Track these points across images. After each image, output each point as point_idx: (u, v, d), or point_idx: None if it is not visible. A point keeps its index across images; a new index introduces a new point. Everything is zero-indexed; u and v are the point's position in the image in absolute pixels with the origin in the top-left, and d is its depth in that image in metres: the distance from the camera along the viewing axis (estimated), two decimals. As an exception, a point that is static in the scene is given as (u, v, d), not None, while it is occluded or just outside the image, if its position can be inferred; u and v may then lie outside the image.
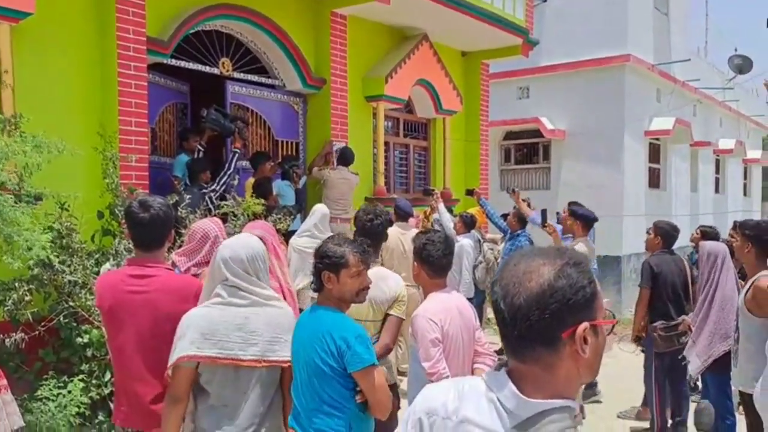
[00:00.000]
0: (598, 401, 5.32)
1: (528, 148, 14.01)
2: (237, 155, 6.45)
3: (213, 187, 6.10)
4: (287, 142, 7.88)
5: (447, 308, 2.84)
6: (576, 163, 12.93)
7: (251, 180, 6.76)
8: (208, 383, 2.47)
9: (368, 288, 2.68)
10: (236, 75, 7.17)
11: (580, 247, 5.69)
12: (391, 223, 5.60)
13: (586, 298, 1.11)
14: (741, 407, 4.05)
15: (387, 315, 3.24)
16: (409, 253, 5.83)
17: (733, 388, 4.09)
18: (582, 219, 5.77)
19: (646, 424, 5.48)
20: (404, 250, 5.96)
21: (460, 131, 10.15)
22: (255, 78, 7.40)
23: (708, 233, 6.08)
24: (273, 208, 6.03)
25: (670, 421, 5.36)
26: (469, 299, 6.83)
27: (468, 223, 7.37)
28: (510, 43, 9.72)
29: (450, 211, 7.64)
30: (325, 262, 2.53)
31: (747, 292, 3.69)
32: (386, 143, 8.94)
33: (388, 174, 9.06)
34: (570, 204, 5.91)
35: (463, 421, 1.15)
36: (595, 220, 5.87)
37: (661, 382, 5.24)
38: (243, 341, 2.42)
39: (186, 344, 2.41)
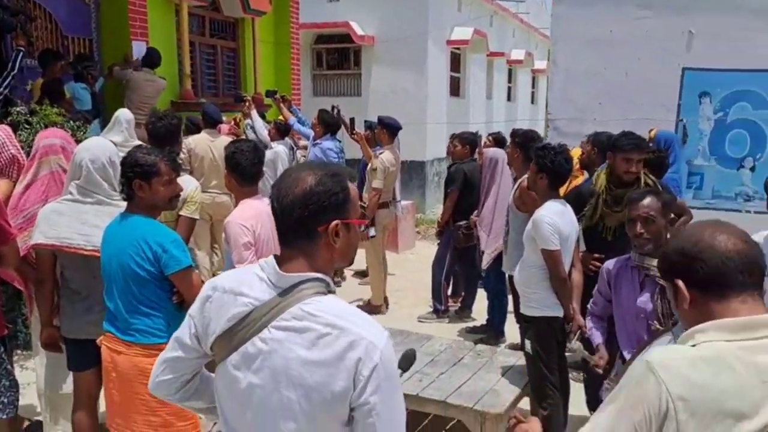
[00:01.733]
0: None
1: (339, 53, 14.07)
2: (21, 53, 5.77)
3: (-5, 88, 5.47)
4: (79, 40, 7.21)
5: (258, 214, 2.98)
6: (385, 69, 13.27)
7: (40, 81, 6.16)
8: (64, 268, 2.94)
9: (179, 195, 2.79)
10: (12, -41, 6.31)
11: (387, 155, 6.12)
12: (185, 130, 5.41)
13: (338, 202, 1.43)
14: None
15: (179, 216, 3.53)
16: (219, 160, 5.81)
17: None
18: (388, 128, 6.19)
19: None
20: (214, 158, 5.89)
21: (270, 33, 9.95)
22: (36, -36, 6.58)
23: (499, 140, 6.73)
24: (68, 113, 5.61)
25: (456, 306, 6.21)
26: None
27: (282, 130, 7.44)
28: (320, -58, 9.58)
29: (263, 117, 7.63)
30: (137, 171, 2.57)
31: (515, 191, 4.33)
32: (192, 43, 8.54)
33: (196, 77, 8.71)
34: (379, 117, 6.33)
35: (238, 294, 1.44)
36: (399, 128, 6.30)
37: (449, 272, 6.04)
38: (85, 233, 2.80)
39: (36, 233, 2.84)
